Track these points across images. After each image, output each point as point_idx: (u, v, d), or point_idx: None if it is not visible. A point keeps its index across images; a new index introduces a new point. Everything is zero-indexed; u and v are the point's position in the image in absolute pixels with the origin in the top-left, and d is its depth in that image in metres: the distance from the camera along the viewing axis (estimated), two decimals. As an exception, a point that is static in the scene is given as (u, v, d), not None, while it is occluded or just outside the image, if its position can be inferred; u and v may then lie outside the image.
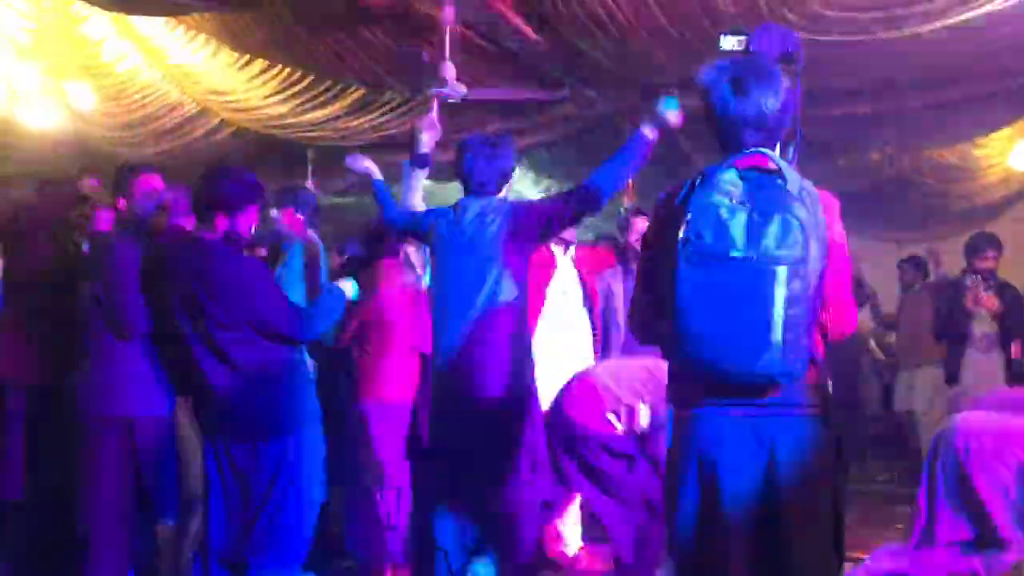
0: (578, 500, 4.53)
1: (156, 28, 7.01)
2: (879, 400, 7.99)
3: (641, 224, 4.94)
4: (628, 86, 6.71)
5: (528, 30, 5.68)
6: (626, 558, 3.94)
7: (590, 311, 4.89)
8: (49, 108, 7.33)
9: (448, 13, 5.27)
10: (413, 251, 4.45)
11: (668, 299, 2.11)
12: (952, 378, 5.98)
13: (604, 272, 5.22)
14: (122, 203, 3.67)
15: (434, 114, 3.86)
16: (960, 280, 6.07)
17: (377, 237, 4.37)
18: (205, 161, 8.35)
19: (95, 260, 3.63)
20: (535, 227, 3.43)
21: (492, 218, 3.41)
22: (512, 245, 3.40)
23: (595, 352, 4.89)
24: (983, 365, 5.84)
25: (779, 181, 2.03)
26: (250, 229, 3.43)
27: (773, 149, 2.20)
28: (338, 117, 7.57)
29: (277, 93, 7.28)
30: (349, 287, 3.61)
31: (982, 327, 5.88)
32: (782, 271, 1.96)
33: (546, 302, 4.74)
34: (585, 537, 4.83)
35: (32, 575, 3.83)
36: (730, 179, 2.06)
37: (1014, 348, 5.80)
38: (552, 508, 4.07)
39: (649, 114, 3.51)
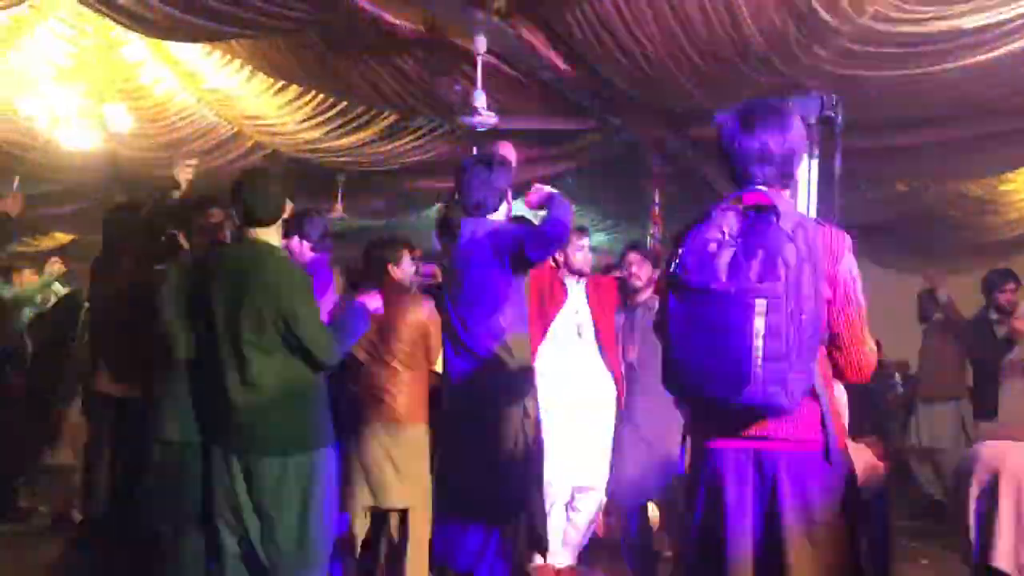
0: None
1: (192, 53, 7.13)
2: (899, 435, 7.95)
3: (633, 258, 4.98)
4: (655, 117, 6.78)
5: (558, 61, 5.76)
6: None
7: (601, 343, 4.92)
8: (87, 130, 7.46)
9: (480, 43, 5.36)
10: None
11: (663, 331, 2.22)
12: (983, 412, 5.97)
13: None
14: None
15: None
16: (985, 314, 6.09)
17: (377, 256, 4.39)
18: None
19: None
20: (507, 251, 3.53)
21: (481, 239, 3.51)
22: (497, 267, 3.50)
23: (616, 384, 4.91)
24: (1018, 399, 5.82)
25: (772, 218, 2.09)
26: None
27: (782, 185, 2.28)
28: (369, 143, 7.68)
29: (310, 118, 7.38)
30: (373, 300, 3.60)
31: (1014, 357, 5.89)
32: (760, 304, 2.01)
33: (554, 332, 4.82)
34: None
35: None
36: (727, 217, 2.14)
37: None
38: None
39: None
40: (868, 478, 3.65)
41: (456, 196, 3.74)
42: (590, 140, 7.56)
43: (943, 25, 4.66)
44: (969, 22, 4.61)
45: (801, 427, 2.17)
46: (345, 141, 7.68)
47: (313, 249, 4.36)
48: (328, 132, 7.54)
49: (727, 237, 2.10)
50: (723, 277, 2.06)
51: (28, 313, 6.89)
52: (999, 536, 3.56)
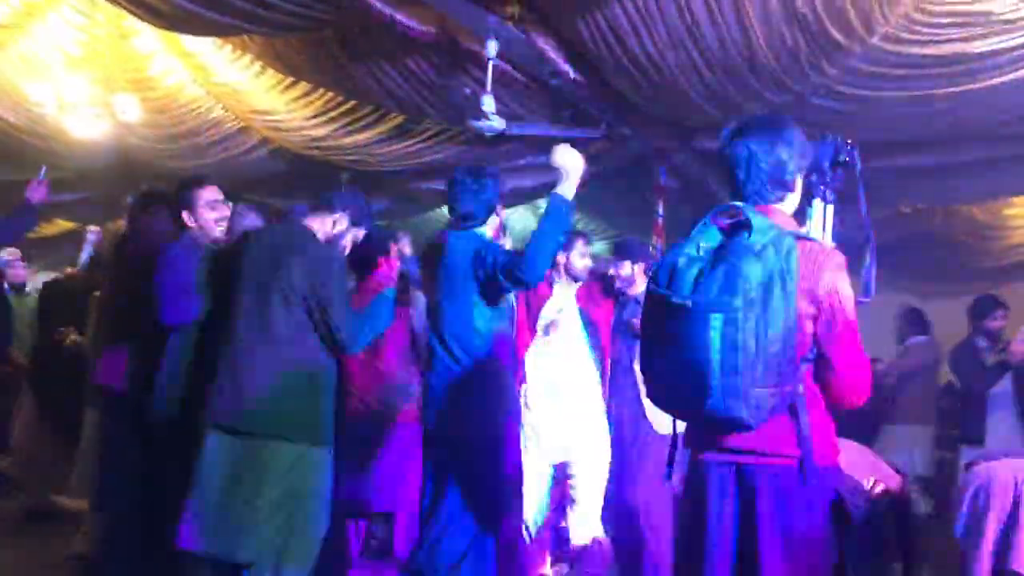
0: None
1: (203, 46, 7.15)
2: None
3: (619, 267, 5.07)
4: (663, 127, 6.79)
5: (568, 69, 5.77)
6: None
7: (595, 347, 4.95)
8: (95, 118, 7.47)
9: (491, 48, 5.37)
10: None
11: (640, 343, 2.31)
12: (970, 438, 6.00)
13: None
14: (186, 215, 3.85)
15: None
16: (973, 340, 6.11)
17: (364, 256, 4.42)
18: (243, 177, 8.51)
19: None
20: (484, 274, 3.54)
21: (464, 256, 3.55)
22: (477, 285, 3.53)
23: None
24: (1003, 426, 5.86)
25: (744, 233, 2.11)
26: None
27: (775, 197, 2.32)
28: (376, 143, 7.68)
29: (318, 115, 7.40)
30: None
31: (1002, 386, 5.92)
32: (716, 318, 2.04)
33: (541, 334, 4.88)
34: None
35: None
36: (707, 232, 2.19)
37: None
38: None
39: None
40: (873, 492, 3.72)
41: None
42: (597, 149, 7.56)
43: (953, 48, 4.67)
44: (980, 46, 4.63)
45: (778, 443, 2.18)
46: (352, 140, 7.69)
47: None
48: (335, 130, 7.55)
49: (700, 252, 2.14)
50: (686, 291, 2.09)
51: None
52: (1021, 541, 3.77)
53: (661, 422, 4.50)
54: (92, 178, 9.71)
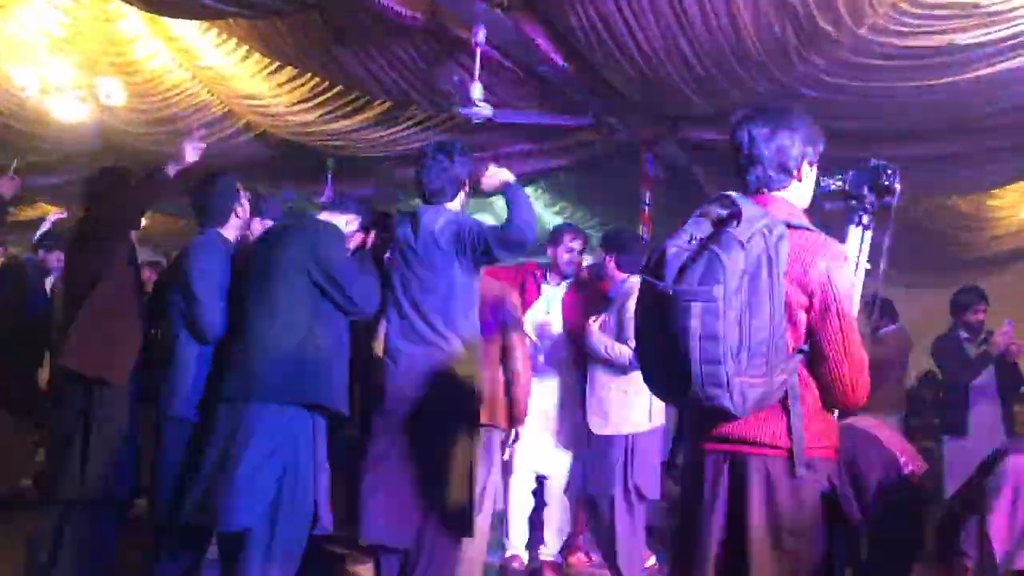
0: None
1: (188, 29, 7.09)
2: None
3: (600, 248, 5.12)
4: (650, 117, 6.80)
5: (557, 57, 5.76)
6: None
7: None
8: (78, 101, 7.40)
9: (479, 34, 5.35)
10: None
11: (635, 332, 2.32)
12: (953, 429, 6.05)
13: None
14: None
15: None
16: (955, 333, 6.15)
17: None
18: (228, 163, 8.46)
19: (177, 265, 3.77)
20: (470, 245, 3.53)
21: (441, 230, 3.52)
22: (456, 260, 3.51)
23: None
24: (986, 416, 5.92)
25: (733, 223, 2.10)
26: None
27: (778, 184, 2.30)
28: (361, 128, 7.65)
29: (304, 101, 7.35)
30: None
31: (984, 378, 5.97)
32: (696, 307, 2.03)
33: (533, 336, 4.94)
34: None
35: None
36: (700, 223, 2.18)
37: None
38: None
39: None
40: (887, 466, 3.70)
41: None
42: (584, 138, 7.57)
43: (940, 40, 4.70)
44: (966, 38, 4.65)
45: (769, 434, 2.18)
46: (338, 125, 7.65)
47: None
48: (321, 116, 7.51)
49: (691, 242, 2.14)
50: (669, 280, 2.10)
51: None
52: None
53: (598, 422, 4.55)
54: (75, 161, 9.63)
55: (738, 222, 2.09)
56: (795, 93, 5.38)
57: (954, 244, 9.09)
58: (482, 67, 5.51)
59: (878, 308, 6.79)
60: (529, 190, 9.85)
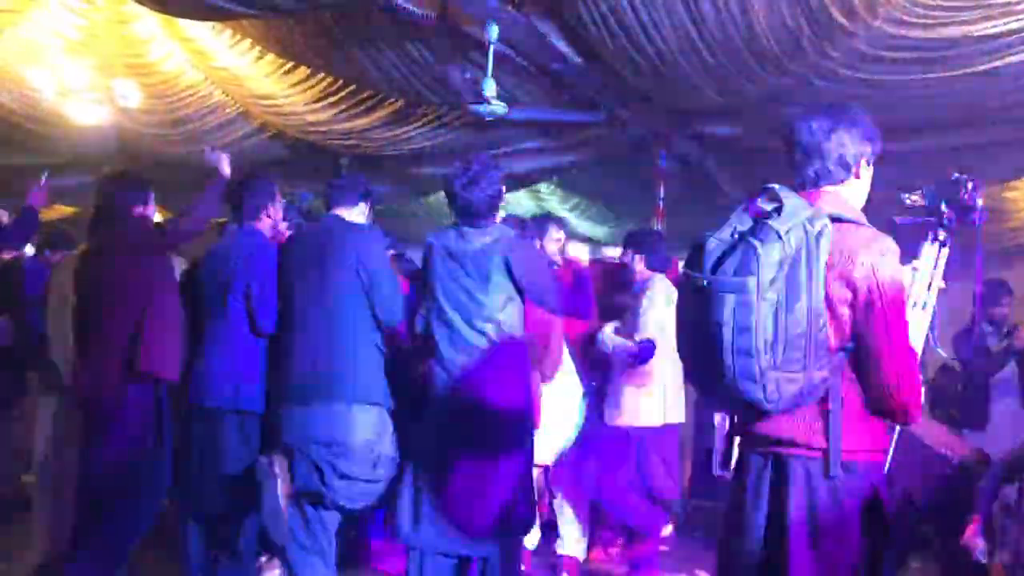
0: None
1: (203, 30, 7.12)
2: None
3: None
4: (663, 111, 6.78)
5: (569, 52, 5.76)
6: None
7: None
8: (94, 104, 7.45)
9: (492, 32, 5.36)
10: None
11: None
12: (973, 423, 6.02)
13: None
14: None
15: None
16: (978, 327, 6.10)
17: None
18: (242, 162, 8.49)
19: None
20: (524, 293, 3.61)
21: (492, 255, 3.56)
22: (510, 283, 3.55)
23: None
24: (1008, 411, 5.88)
25: (774, 215, 2.06)
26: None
27: (830, 181, 2.27)
28: (375, 127, 7.67)
29: (318, 100, 7.37)
30: None
31: (1006, 372, 5.93)
32: (730, 298, 2.00)
33: None
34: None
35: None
36: (740, 216, 2.13)
37: None
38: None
39: None
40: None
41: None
42: (597, 133, 7.56)
43: (955, 31, 4.67)
44: (981, 29, 4.62)
45: (808, 435, 2.14)
46: (351, 124, 7.67)
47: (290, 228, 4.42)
48: (335, 115, 7.53)
49: (734, 236, 2.10)
50: (707, 272, 2.08)
51: None
52: None
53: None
54: (91, 163, 9.69)
55: (779, 214, 2.06)
56: (810, 86, 5.37)
57: (971, 236, 9.00)
58: (495, 64, 5.51)
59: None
60: (542, 186, 9.87)
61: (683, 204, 8.17)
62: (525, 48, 5.88)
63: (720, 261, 2.06)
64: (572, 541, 5.06)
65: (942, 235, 2.55)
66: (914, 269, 2.69)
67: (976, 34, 4.64)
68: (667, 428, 4.60)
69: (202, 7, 5.43)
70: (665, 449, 4.62)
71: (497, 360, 3.51)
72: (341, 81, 7.09)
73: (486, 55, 5.46)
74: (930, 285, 2.65)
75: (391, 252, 4.64)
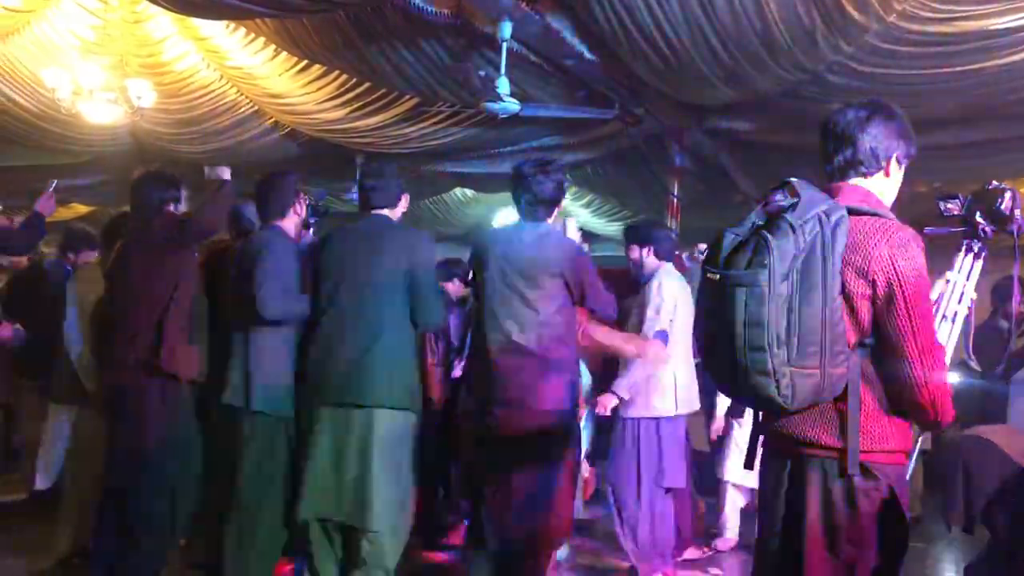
0: None
1: (217, 29, 7.15)
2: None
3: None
4: (677, 107, 6.78)
5: (583, 49, 5.76)
6: None
7: None
8: (110, 103, 7.48)
9: (506, 29, 5.37)
10: None
11: None
12: (991, 422, 5.98)
13: None
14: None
15: None
16: (995, 322, 6.06)
17: None
18: (257, 161, 8.54)
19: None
20: (574, 296, 3.59)
21: (549, 256, 3.54)
22: (564, 286, 3.54)
23: None
24: None
25: (790, 209, 2.03)
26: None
27: (857, 173, 2.22)
28: (389, 125, 7.69)
29: (332, 98, 7.40)
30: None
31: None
32: (742, 292, 1.98)
33: None
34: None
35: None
36: (759, 211, 2.09)
37: None
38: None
39: None
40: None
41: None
42: (611, 130, 7.56)
43: (971, 25, 4.65)
44: (997, 23, 4.60)
45: (825, 434, 2.11)
46: (365, 122, 7.69)
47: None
48: (349, 113, 7.56)
49: (748, 230, 2.07)
50: (719, 266, 2.06)
51: None
52: None
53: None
54: (107, 162, 9.76)
55: (794, 208, 2.03)
56: (823, 81, 5.35)
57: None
58: (509, 62, 5.52)
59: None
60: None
61: (698, 200, 8.17)
62: (539, 45, 5.89)
63: (734, 255, 2.04)
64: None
65: (976, 246, 2.50)
66: (947, 281, 2.64)
67: (993, 28, 4.62)
68: (679, 418, 4.59)
69: (215, 6, 5.45)
70: (676, 439, 4.61)
71: (547, 361, 3.50)
72: (355, 79, 7.11)
73: (500, 53, 5.47)
74: (962, 296, 2.60)
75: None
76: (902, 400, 2.10)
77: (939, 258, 2.47)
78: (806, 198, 2.04)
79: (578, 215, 10.22)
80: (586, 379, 5.09)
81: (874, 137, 2.21)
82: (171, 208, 3.97)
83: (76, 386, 4.50)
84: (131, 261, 3.90)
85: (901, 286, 2.06)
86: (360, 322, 3.51)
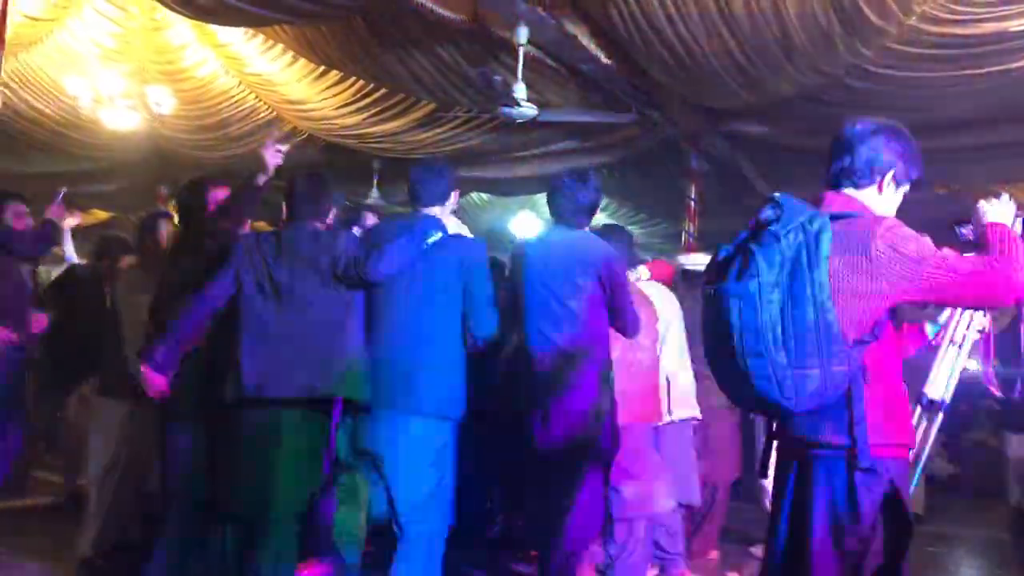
0: None
1: (235, 36, 7.21)
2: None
3: None
4: (694, 111, 6.76)
5: (599, 53, 5.76)
6: None
7: None
8: (129, 110, 7.55)
9: (522, 34, 5.37)
10: None
11: None
12: (1015, 426, 5.94)
13: None
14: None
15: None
16: (1017, 327, 6.01)
17: None
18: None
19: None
20: (607, 304, 3.63)
21: (589, 261, 3.59)
22: (601, 290, 3.59)
23: None
24: None
25: (774, 222, 2.12)
26: None
27: (850, 184, 2.28)
28: (406, 130, 7.72)
29: (349, 104, 7.44)
30: None
31: None
32: (735, 302, 2.08)
33: None
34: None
35: None
36: (750, 226, 2.19)
37: None
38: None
39: None
40: None
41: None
42: (628, 134, 7.55)
43: (990, 27, 4.62)
44: (1017, 25, 4.57)
45: (830, 433, 2.16)
46: (383, 128, 7.72)
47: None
48: (366, 118, 7.59)
49: (737, 244, 2.18)
50: (713, 278, 2.17)
51: None
52: None
53: None
54: (127, 169, 9.83)
55: (778, 220, 2.12)
56: (842, 84, 5.33)
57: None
58: (525, 67, 5.52)
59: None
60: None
61: (716, 204, 8.14)
62: (555, 50, 5.89)
63: (726, 268, 2.14)
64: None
65: None
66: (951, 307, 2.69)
67: (1011, 30, 4.59)
68: (675, 424, 4.54)
69: (234, 13, 5.51)
70: (671, 446, 4.55)
71: (585, 364, 3.54)
72: (372, 85, 7.15)
73: (516, 58, 5.47)
74: (970, 322, 2.62)
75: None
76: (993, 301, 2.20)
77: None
78: (788, 210, 2.14)
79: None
80: None
81: (873, 149, 2.27)
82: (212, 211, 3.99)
83: (126, 383, 4.57)
84: (177, 264, 3.95)
85: (916, 259, 2.12)
86: (406, 329, 3.48)
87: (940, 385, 2.71)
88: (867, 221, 2.17)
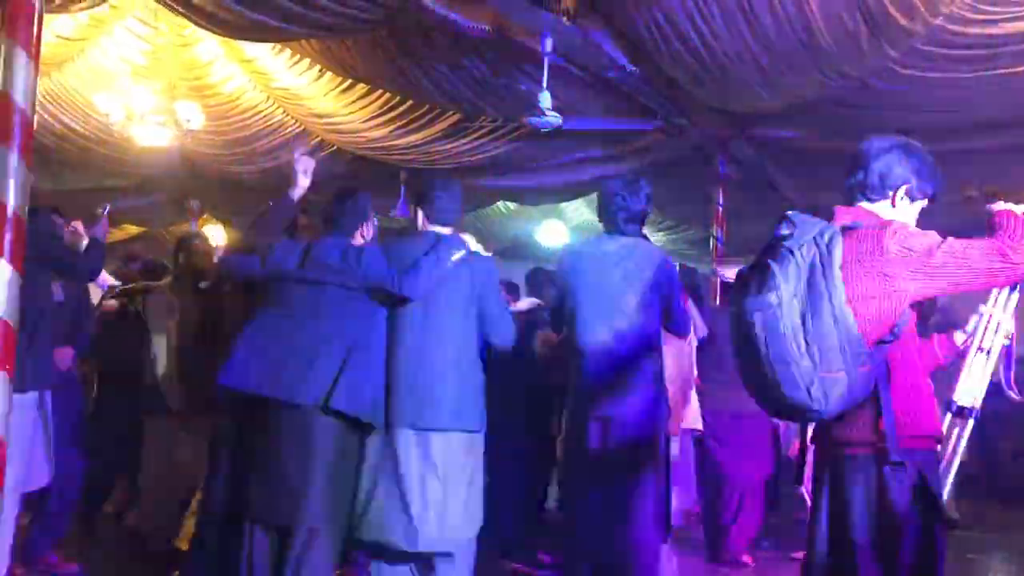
0: None
1: (262, 51, 7.29)
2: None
3: None
4: (720, 116, 6.75)
5: (624, 61, 5.77)
6: None
7: None
8: (160, 126, 7.64)
9: (547, 44, 5.40)
10: None
11: None
12: None
13: None
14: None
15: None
16: None
17: None
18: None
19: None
20: (662, 307, 3.70)
21: (643, 266, 3.66)
22: (657, 295, 3.66)
23: None
24: None
25: (788, 237, 2.21)
26: None
27: (865, 198, 2.35)
28: (432, 141, 7.76)
29: (376, 116, 7.49)
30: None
31: None
32: (758, 315, 2.17)
33: None
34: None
35: None
36: (768, 243, 2.28)
37: None
38: None
39: None
40: None
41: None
42: (654, 140, 7.54)
43: (1017, 27, 4.58)
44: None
45: (857, 431, 2.24)
46: (409, 139, 7.77)
47: None
48: (393, 131, 7.64)
49: (756, 261, 2.26)
50: (737, 295, 2.25)
51: None
52: None
53: None
54: (158, 183, 9.95)
55: (792, 234, 2.21)
56: (869, 86, 5.30)
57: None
58: (550, 75, 5.54)
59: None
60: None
61: (745, 210, 8.11)
62: (580, 59, 5.91)
63: (747, 284, 2.22)
64: None
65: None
66: (979, 314, 2.74)
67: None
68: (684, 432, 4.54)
69: (262, 29, 5.57)
70: (682, 453, 4.55)
71: (640, 369, 3.59)
72: (398, 97, 7.19)
73: (541, 67, 5.50)
74: (997, 328, 2.63)
75: None
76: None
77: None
78: (801, 225, 2.23)
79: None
80: None
81: (886, 164, 2.34)
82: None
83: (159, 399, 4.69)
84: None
85: (936, 251, 2.16)
86: (424, 345, 3.49)
87: (969, 392, 2.71)
88: (875, 226, 2.25)
